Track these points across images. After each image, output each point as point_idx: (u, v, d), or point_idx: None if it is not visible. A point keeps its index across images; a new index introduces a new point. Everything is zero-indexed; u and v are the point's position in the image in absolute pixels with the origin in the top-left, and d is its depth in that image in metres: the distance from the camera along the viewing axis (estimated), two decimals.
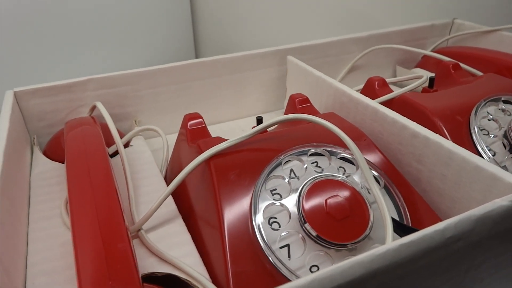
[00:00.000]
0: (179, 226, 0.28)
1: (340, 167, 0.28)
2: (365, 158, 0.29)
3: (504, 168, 0.31)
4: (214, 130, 0.42)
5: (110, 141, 0.37)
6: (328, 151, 0.29)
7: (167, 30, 0.96)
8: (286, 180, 0.26)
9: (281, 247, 0.24)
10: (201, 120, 0.33)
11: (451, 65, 0.43)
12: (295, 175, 0.27)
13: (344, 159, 0.29)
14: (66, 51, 0.87)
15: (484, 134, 0.33)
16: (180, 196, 0.32)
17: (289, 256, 0.24)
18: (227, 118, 0.49)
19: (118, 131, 0.40)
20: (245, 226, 0.24)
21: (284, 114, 0.40)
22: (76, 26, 0.86)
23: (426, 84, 0.41)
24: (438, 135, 0.29)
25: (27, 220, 0.28)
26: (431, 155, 0.30)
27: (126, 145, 0.38)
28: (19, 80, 0.85)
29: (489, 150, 0.32)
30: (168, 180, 0.35)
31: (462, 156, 0.27)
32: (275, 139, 0.30)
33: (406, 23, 0.56)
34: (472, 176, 0.27)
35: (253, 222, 0.24)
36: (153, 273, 0.24)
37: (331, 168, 0.28)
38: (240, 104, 0.49)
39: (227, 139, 0.29)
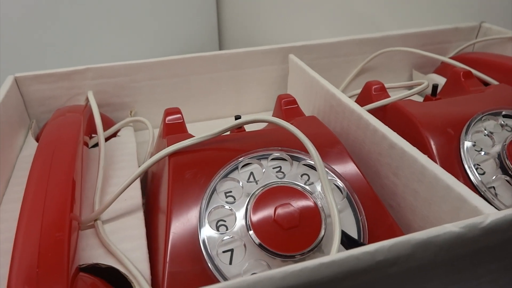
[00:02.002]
0: (137, 220, 0.28)
1: (304, 174, 0.27)
2: (331, 167, 0.28)
3: (491, 189, 0.29)
4: (211, 126, 0.42)
5: (94, 128, 0.38)
6: (291, 156, 0.28)
7: (192, 22, 0.97)
8: (241, 184, 0.26)
9: (224, 252, 0.24)
10: (179, 115, 0.33)
11: (462, 73, 0.40)
12: (254, 179, 0.27)
13: (310, 166, 0.28)
14: (93, 38, 0.90)
15: (476, 150, 0.30)
16: (149, 190, 0.32)
17: (230, 262, 0.23)
18: (227, 115, 0.49)
19: (111, 120, 0.42)
20: (191, 227, 0.24)
21: (272, 115, 0.39)
22: (101, 15, 0.89)
23: (429, 92, 0.39)
24: (414, 148, 0.27)
25: (1, 199, 0.30)
26: (406, 169, 0.28)
27: (114, 135, 0.39)
28: (40, 65, 0.89)
29: (477, 168, 0.29)
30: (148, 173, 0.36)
31: (434, 173, 0.25)
32: (242, 140, 0.29)
33: (430, 25, 0.53)
34: (442, 196, 0.25)
35: (199, 223, 0.24)
36: (97, 264, 0.24)
37: (293, 175, 0.27)
38: (240, 101, 0.48)
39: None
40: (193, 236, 0.24)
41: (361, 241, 0.25)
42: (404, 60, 0.53)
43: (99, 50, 0.91)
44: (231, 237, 0.24)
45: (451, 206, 0.24)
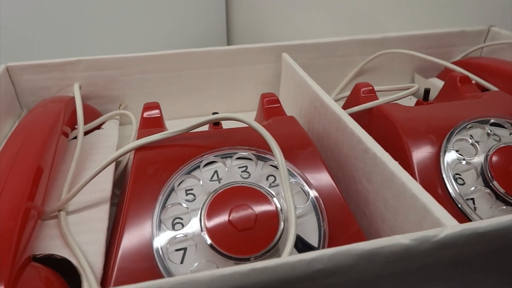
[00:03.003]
0: (102, 213, 0.28)
1: (270, 175, 0.27)
2: (299, 169, 0.27)
3: (470, 201, 0.27)
4: None
5: (85, 121, 0.38)
6: (258, 156, 0.27)
7: (200, 18, 0.96)
8: (201, 182, 0.25)
9: (176, 250, 0.23)
10: (157, 110, 0.33)
11: (458, 78, 0.39)
12: (218, 178, 0.26)
13: (277, 167, 0.27)
14: (101, 33, 0.91)
15: (458, 159, 0.29)
16: (123, 183, 0.32)
17: (182, 261, 0.23)
18: (219, 111, 0.48)
19: (98, 112, 0.42)
20: (145, 223, 0.24)
21: (256, 113, 0.38)
22: (111, 9, 0.89)
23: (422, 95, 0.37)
24: (386, 154, 0.26)
25: None
26: (378, 175, 0.27)
27: (99, 127, 0.39)
28: (51, 54, 0.90)
29: (458, 178, 0.28)
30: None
31: (402, 180, 0.24)
32: (211, 138, 0.28)
33: (439, 28, 0.51)
34: (409, 205, 0.24)
35: (152, 220, 0.24)
36: (52, 254, 0.24)
37: (258, 176, 0.26)
38: (233, 98, 0.48)
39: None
40: (146, 232, 0.23)
41: (321, 247, 0.24)
42: (405, 63, 0.51)
43: (107, 44, 0.92)
44: (184, 236, 0.23)
45: (416, 216, 0.23)
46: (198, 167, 0.26)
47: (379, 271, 0.19)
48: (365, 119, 0.36)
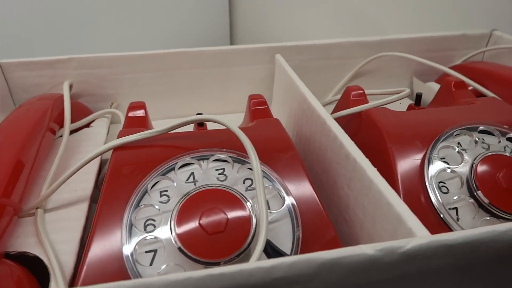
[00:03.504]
0: (80, 212, 0.28)
1: (247, 178, 0.26)
2: (276, 173, 0.26)
3: (454, 210, 0.26)
4: None
5: (75, 119, 0.39)
6: (235, 159, 0.26)
7: (203, 18, 0.96)
8: (175, 183, 0.25)
9: (147, 252, 0.23)
10: (143, 110, 0.33)
11: (453, 83, 0.38)
12: (194, 179, 0.26)
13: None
14: (103, 31, 0.91)
15: (443, 167, 0.28)
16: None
17: (151, 263, 0.23)
18: (212, 112, 0.48)
19: (90, 111, 0.42)
20: (116, 223, 0.24)
21: (244, 115, 0.38)
22: (113, 8, 0.90)
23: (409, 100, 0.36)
24: (366, 160, 0.25)
25: None
26: (357, 181, 0.26)
27: (88, 125, 0.39)
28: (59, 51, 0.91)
29: (442, 187, 0.27)
30: None
31: (378, 188, 0.23)
32: (191, 139, 0.28)
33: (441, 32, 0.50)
34: (385, 213, 0.23)
35: (123, 220, 0.23)
36: (25, 252, 0.24)
37: (235, 179, 0.26)
38: (226, 99, 0.48)
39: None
40: (116, 233, 0.23)
41: (293, 254, 0.23)
42: (403, 66, 0.50)
43: (109, 43, 0.92)
44: (154, 238, 0.23)
45: (391, 225, 0.22)
46: (173, 168, 0.26)
47: (342, 281, 0.18)
48: (354, 124, 0.35)
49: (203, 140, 0.28)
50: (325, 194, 0.31)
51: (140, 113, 0.33)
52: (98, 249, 0.23)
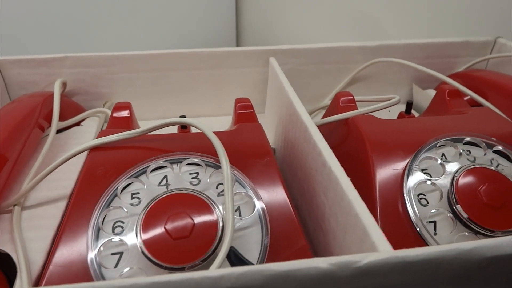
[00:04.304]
0: (56, 210, 0.28)
1: (220, 183, 0.26)
2: (248, 179, 0.26)
3: (432, 224, 0.25)
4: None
5: (67, 117, 0.39)
6: (208, 163, 0.26)
7: (210, 19, 0.96)
8: (145, 186, 0.25)
9: (112, 254, 0.23)
10: (127, 111, 0.33)
11: (447, 91, 0.37)
12: (166, 183, 0.26)
13: None
14: (107, 30, 0.92)
15: (424, 179, 0.27)
16: None
17: (116, 265, 0.23)
18: (206, 114, 0.48)
19: (83, 109, 0.42)
20: (85, 224, 0.24)
21: (232, 118, 0.38)
22: (120, 8, 0.90)
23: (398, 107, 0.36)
24: (340, 169, 0.25)
25: None
26: (332, 190, 0.25)
27: (78, 124, 0.39)
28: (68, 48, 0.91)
29: (421, 199, 0.26)
30: None
31: (349, 198, 0.23)
32: (169, 141, 0.28)
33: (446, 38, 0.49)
34: (353, 224, 0.22)
35: (90, 221, 0.24)
36: None
37: (208, 183, 0.26)
38: (220, 101, 0.47)
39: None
40: (84, 233, 0.23)
41: (259, 262, 0.23)
42: (403, 72, 0.49)
43: (115, 43, 0.93)
44: (120, 240, 0.23)
45: (358, 237, 0.22)
46: (145, 171, 0.26)
47: None
48: (342, 130, 0.35)
49: (180, 143, 0.28)
50: (306, 201, 0.31)
51: (124, 113, 0.33)
52: (65, 249, 0.23)
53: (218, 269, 0.17)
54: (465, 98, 0.41)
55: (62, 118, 0.39)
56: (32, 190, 0.30)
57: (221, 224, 0.23)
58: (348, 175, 0.31)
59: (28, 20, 0.85)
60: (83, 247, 0.23)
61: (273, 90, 0.42)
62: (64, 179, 0.31)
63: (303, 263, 0.17)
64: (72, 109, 0.41)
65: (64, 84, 0.42)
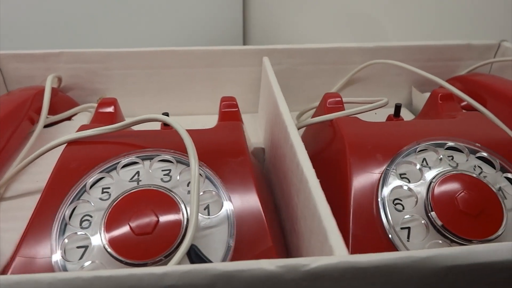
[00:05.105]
0: (34, 202, 0.28)
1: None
2: (218, 178, 0.26)
3: (406, 230, 0.25)
4: (182, 121, 0.42)
5: (60, 111, 0.40)
6: (178, 160, 0.26)
7: (217, 15, 0.96)
8: (114, 180, 0.25)
9: (78, 247, 0.23)
10: (112, 107, 0.34)
11: (439, 95, 0.36)
12: (138, 179, 0.26)
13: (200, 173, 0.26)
14: (113, 27, 0.92)
15: (400, 184, 0.26)
16: None
17: (81, 257, 0.23)
18: (201, 112, 0.48)
19: (77, 104, 0.43)
20: (52, 217, 0.24)
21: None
22: (126, 4, 0.91)
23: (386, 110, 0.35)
24: (312, 171, 0.24)
25: None
26: (302, 192, 0.25)
27: (69, 119, 0.40)
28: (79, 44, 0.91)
29: (397, 204, 0.26)
30: None
31: (315, 201, 0.22)
32: (143, 138, 0.28)
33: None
34: (317, 228, 0.22)
35: (57, 214, 0.24)
36: None
37: (179, 181, 0.26)
38: (215, 99, 0.47)
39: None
40: (50, 226, 0.23)
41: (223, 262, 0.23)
42: (402, 75, 0.48)
43: (121, 39, 0.93)
44: (84, 234, 0.23)
45: (319, 241, 0.21)
46: (121, 166, 0.26)
47: None
48: (328, 132, 0.34)
49: (157, 139, 0.28)
50: (285, 202, 0.30)
51: (109, 109, 0.33)
52: (31, 240, 0.23)
53: (162, 266, 0.17)
54: (463, 103, 0.39)
55: (55, 112, 0.40)
56: (15, 182, 0.31)
57: (185, 222, 0.23)
58: (328, 177, 0.30)
59: (28, 15, 0.86)
60: (48, 239, 0.23)
61: (265, 90, 0.42)
62: (47, 172, 0.31)
63: (249, 264, 0.17)
64: (66, 104, 0.42)
65: (59, 79, 0.42)
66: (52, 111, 0.39)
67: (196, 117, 0.48)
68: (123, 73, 0.45)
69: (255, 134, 0.45)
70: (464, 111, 0.40)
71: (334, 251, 0.19)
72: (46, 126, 0.39)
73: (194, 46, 0.44)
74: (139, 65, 0.44)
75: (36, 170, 0.32)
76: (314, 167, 0.34)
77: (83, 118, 0.40)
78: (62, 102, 0.41)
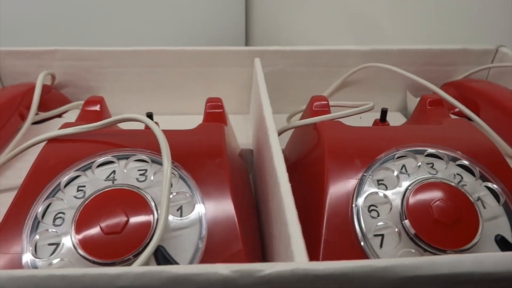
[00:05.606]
0: (8, 198, 0.29)
1: None
2: (193, 180, 0.26)
3: (379, 237, 0.24)
4: (175, 121, 0.42)
5: (52, 108, 0.40)
6: (154, 160, 0.26)
7: (219, 15, 0.96)
8: (89, 179, 0.25)
9: (49, 244, 0.23)
10: (98, 105, 0.34)
11: (428, 100, 0.35)
12: (113, 178, 0.26)
13: (175, 174, 0.26)
14: (117, 27, 0.92)
15: (376, 190, 0.26)
16: None
17: (51, 254, 0.23)
18: (194, 111, 0.48)
19: (68, 101, 0.43)
20: (25, 212, 0.24)
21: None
22: (129, 4, 0.91)
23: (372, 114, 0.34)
24: (284, 174, 0.24)
25: None
26: (275, 195, 0.25)
27: (60, 116, 0.40)
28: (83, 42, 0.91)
29: (372, 210, 0.25)
30: None
31: (284, 206, 0.22)
32: (122, 137, 0.28)
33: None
34: (283, 233, 0.22)
35: (31, 211, 0.24)
36: None
37: (153, 181, 0.26)
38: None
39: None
40: (22, 222, 0.24)
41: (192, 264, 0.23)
42: (397, 79, 0.47)
43: (125, 38, 0.93)
44: (55, 232, 0.23)
45: (285, 245, 0.21)
46: (96, 165, 0.26)
47: None
48: (311, 135, 0.34)
49: (136, 139, 0.28)
50: (265, 206, 0.30)
51: (95, 107, 0.33)
52: (3, 236, 0.23)
53: (116, 267, 0.17)
54: (456, 109, 0.39)
55: (48, 109, 0.40)
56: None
57: (155, 223, 0.23)
58: (308, 181, 0.30)
59: (24, 12, 0.85)
60: (20, 236, 0.23)
61: (255, 91, 0.42)
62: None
63: (203, 267, 0.17)
64: (59, 101, 0.42)
65: (53, 77, 0.43)
66: (44, 107, 0.40)
67: (189, 116, 0.48)
68: (116, 71, 0.45)
69: (246, 135, 0.45)
70: (456, 117, 0.40)
71: (294, 257, 0.19)
72: (37, 122, 0.39)
73: (177, 46, 0.44)
74: (132, 64, 0.45)
75: (22, 166, 0.32)
76: (297, 170, 0.34)
77: (74, 115, 0.41)
78: (55, 99, 0.42)
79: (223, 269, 0.17)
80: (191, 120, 0.47)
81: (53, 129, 0.37)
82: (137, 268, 0.17)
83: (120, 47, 0.44)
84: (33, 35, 0.88)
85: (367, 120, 0.38)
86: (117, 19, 0.93)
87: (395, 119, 0.48)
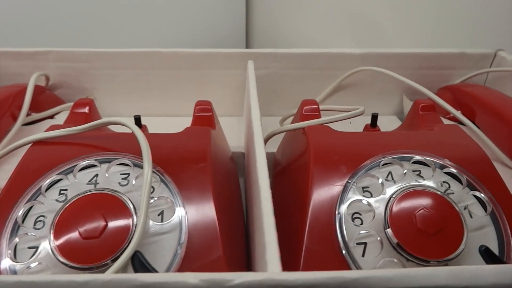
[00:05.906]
0: None
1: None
2: (174, 184, 0.26)
3: (362, 245, 0.24)
4: (168, 122, 0.42)
5: (45, 109, 0.40)
6: (136, 163, 0.26)
7: (220, 18, 0.95)
8: (70, 183, 0.25)
9: (29, 247, 0.23)
10: (87, 107, 0.34)
11: (421, 105, 0.35)
12: (95, 181, 0.26)
13: (159, 178, 0.26)
14: (118, 29, 0.92)
15: (360, 198, 0.26)
16: None
17: (31, 257, 0.23)
18: (187, 113, 0.48)
19: (62, 102, 0.44)
20: (7, 215, 0.24)
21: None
22: (129, 5, 0.90)
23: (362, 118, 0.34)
24: (266, 181, 0.24)
25: None
26: (257, 202, 0.25)
27: (52, 117, 0.41)
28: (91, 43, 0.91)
29: (355, 218, 0.25)
30: None
31: (262, 212, 0.22)
32: (106, 140, 0.28)
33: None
34: (260, 241, 0.22)
35: (12, 214, 0.24)
36: None
37: (135, 185, 0.26)
38: None
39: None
40: (2, 224, 0.24)
41: (170, 270, 0.23)
42: (393, 82, 0.46)
43: (126, 41, 0.93)
44: (34, 235, 0.23)
45: (261, 254, 0.21)
46: (78, 168, 0.26)
47: None
48: (300, 140, 0.34)
49: (120, 142, 0.28)
50: (251, 212, 0.30)
51: (84, 110, 0.33)
52: None
53: (85, 274, 0.17)
54: (450, 114, 0.38)
55: (40, 110, 0.40)
56: None
57: (134, 228, 0.23)
58: (295, 187, 0.30)
59: (19, 13, 0.85)
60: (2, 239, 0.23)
61: (246, 95, 0.42)
62: None
63: (172, 276, 0.17)
64: (52, 102, 0.42)
65: (46, 78, 0.43)
66: (37, 108, 0.40)
67: (183, 118, 0.48)
68: (110, 73, 0.45)
69: (239, 138, 0.45)
70: (451, 122, 0.39)
71: (267, 266, 0.19)
72: (29, 123, 0.39)
73: (169, 48, 0.44)
74: (125, 66, 0.45)
75: (8, 168, 0.32)
76: (285, 175, 0.34)
77: (66, 117, 0.41)
78: (48, 100, 0.42)
79: (192, 278, 0.17)
80: (184, 122, 0.47)
81: (42, 130, 0.38)
82: (105, 275, 0.17)
83: (114, 48, 0.44)
84: (28, 36, 0.88)
85: (360, 124, 0.38)
86: (118, 22, 0.93)
87: (391, 123, 0.48)
